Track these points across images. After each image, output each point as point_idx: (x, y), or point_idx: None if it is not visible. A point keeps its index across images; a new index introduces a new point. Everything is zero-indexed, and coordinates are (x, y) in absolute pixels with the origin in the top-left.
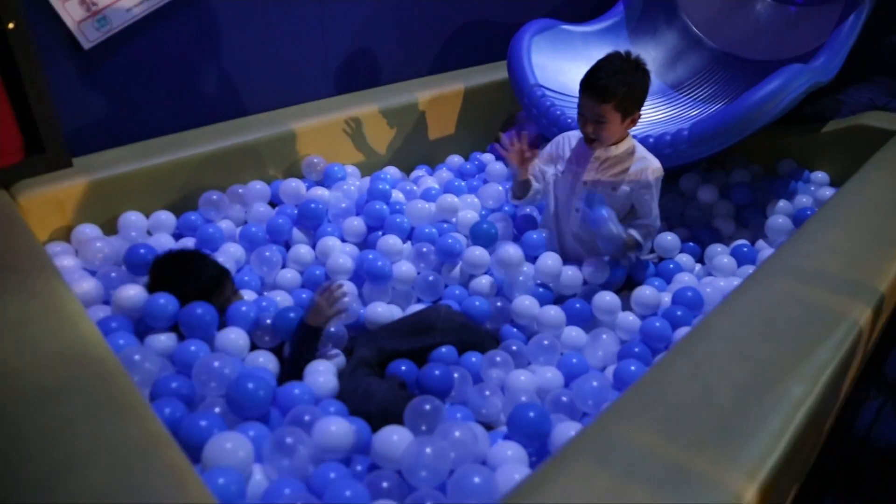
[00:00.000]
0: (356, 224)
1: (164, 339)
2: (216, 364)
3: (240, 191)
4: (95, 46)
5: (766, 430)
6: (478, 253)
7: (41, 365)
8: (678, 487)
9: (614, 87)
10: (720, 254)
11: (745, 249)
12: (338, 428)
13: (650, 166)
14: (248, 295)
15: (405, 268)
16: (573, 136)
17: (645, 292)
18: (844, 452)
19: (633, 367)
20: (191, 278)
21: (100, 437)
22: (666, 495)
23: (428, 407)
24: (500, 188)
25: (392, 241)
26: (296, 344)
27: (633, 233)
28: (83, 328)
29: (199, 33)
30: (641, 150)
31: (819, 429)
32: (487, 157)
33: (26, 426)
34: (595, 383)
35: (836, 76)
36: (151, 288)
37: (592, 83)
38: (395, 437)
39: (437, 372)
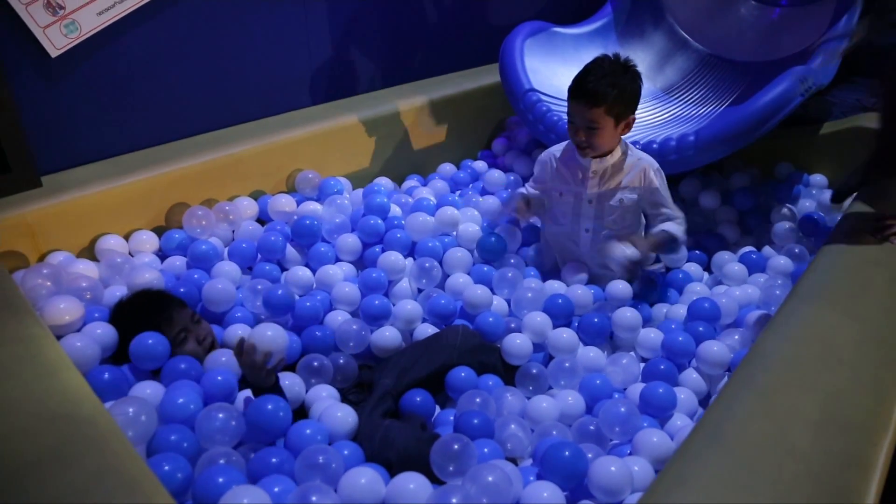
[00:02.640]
0: (351, 241)
1: (150, 391)
2: (221, 416)
3: (226, 207)
4: (63, 54)
5: (851, 476)
6: (479, 292)
7: (22, 430)
8: None
9: (604, 90)
10: (728, 261)
11: (754, 256)
12: (367, 481)
13: (649, 167)
14: (242, 329)
15: (405, 285)
16: (557, 151)
17: (626, 314)
18: None
19: (661, 390)
20: (140, 316)
21: None
22: None
23: (456, 447)
24: (499, 201)
25: (393, 257)
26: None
27: (669, 228)
28: (67, 380)
29: (176, 39)
30: (633, 152)
31: None
32: (480, 164)
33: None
34: (622, 409)
35: None
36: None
37: (581, 88)
38: (411, 486)
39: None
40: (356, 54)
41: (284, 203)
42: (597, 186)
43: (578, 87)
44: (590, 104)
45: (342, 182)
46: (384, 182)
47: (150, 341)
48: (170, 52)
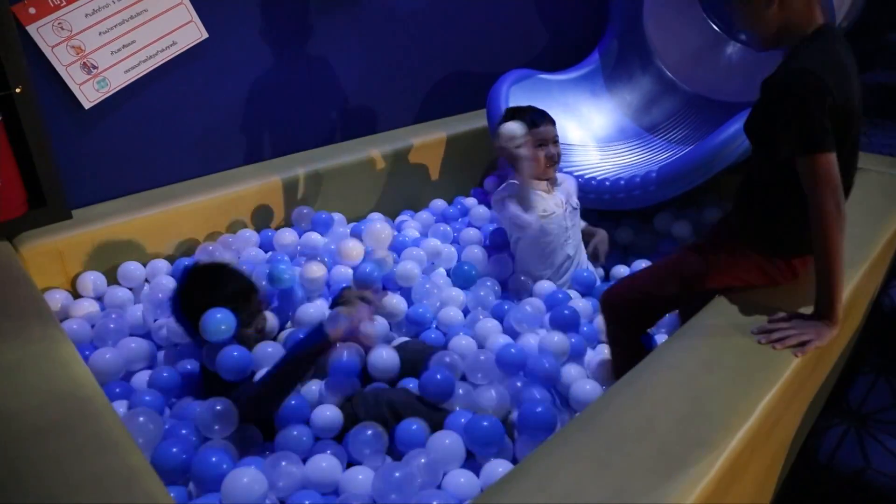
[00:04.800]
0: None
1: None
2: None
3: (229, 239)
4: (95, 106)
5: (699, 456)
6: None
7: (35, 406)
8: None
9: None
10: None
11: None
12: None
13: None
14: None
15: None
16: (511, 195)
17: (553, 338)
18: (809, 478)
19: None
20: (218, 287)
21: (87, 472)
22: None
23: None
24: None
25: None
26: (295, 357)
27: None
28: (75, 370)
29: (189, 92)
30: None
31: (766, 456)
32: (470, 200)
33: (22, 463)
34: None
35: None
36: (181, 299)
37: (540, 115)
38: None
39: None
40: (356, 101)
41: (288, 236)
42: (567, 194)
43: (538, 117)
44: (552, 121)
45: (334, 217)
46: (376, 216)
47: (220, 315)
48: (184, 104)
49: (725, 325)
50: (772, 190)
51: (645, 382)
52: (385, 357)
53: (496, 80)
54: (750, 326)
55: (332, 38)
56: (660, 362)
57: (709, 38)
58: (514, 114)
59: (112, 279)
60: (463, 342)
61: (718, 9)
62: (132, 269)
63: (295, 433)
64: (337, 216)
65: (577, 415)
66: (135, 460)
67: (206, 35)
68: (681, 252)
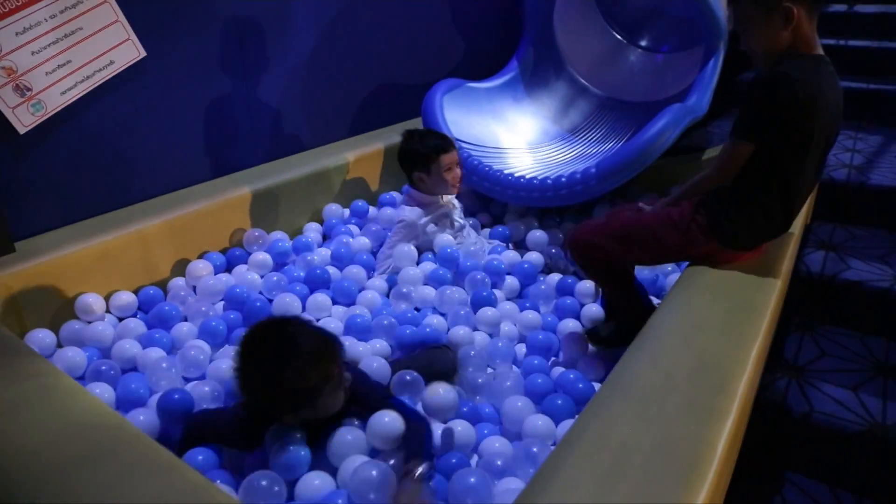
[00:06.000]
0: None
1: None
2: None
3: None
4: (30, 130)
5: (721, 401)
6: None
7: (59, 438)
8: None
9: None
10: None
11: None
12: None
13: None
14: None
15: None
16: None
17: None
18: (765, 425)
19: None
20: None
21: (149, 490)
22: None
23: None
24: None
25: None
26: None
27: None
28: (87, 401)
29: (129, 113)
30: None
31: (751, 400)
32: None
33: (71, 489)
34: None
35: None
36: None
37: (444, 140)
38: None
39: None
40: (295, 117)
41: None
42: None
43: (444, 143)
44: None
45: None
46: (314, 226)
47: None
48: (124, 126)
49: (703, 292)
50: (739, 182)
51: (652, 347)
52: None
53: (427, 90)
54: (723, 293)
55: (266, 55)
56: (659, 328)
57: (612, 46)
58: (420, 136)
59: (70, 315)
60: (461, 332)
61: (619, 18)
62: (90, 301)
63: None
64: (279, 234)
65: (607, 378)
66: (194, 477)
67: (143, 54)
68: (651, 216)
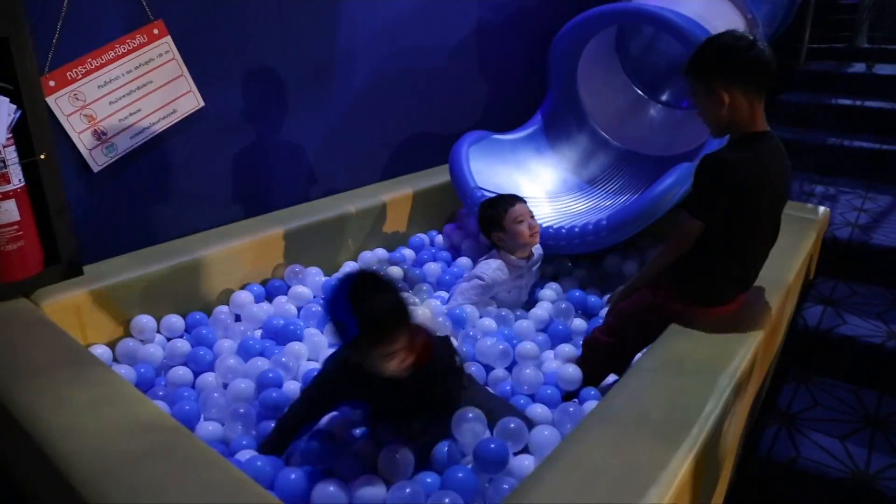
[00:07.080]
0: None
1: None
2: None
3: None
4: (103, 169)
5: (687, 435)
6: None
7: (124, 436)
8: None
9: None
10: None
11: None
12: None
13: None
14: None
15: None
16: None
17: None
18: (753, 468)
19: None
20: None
21: (202, 481)
22: None
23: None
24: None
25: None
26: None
27: None
28: (149, 407)
29: (186, 155)
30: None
31: (726, 443)
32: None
33: (135, 480)
34: None
35: None
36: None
37: (512, 196)
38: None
39: None
40: (328, 162)
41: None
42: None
43: (514, 197)
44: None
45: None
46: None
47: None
48: (183, 166)
49: (685, 340)
50: (698, 247)
51: (634, 385)
52: None
53: (455, 141)
54: (705, 341)
55: (307, 106)
56: (642, 369)
57: (633, 101)
58: (491, 202)
59: (126, 333)
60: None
61: (641, 74)
62: (144, 321)
63: None
64: (314, 269)
65: (590, 411)
66: (236, 473)
67: (202, 104)
68: (627, 305)
